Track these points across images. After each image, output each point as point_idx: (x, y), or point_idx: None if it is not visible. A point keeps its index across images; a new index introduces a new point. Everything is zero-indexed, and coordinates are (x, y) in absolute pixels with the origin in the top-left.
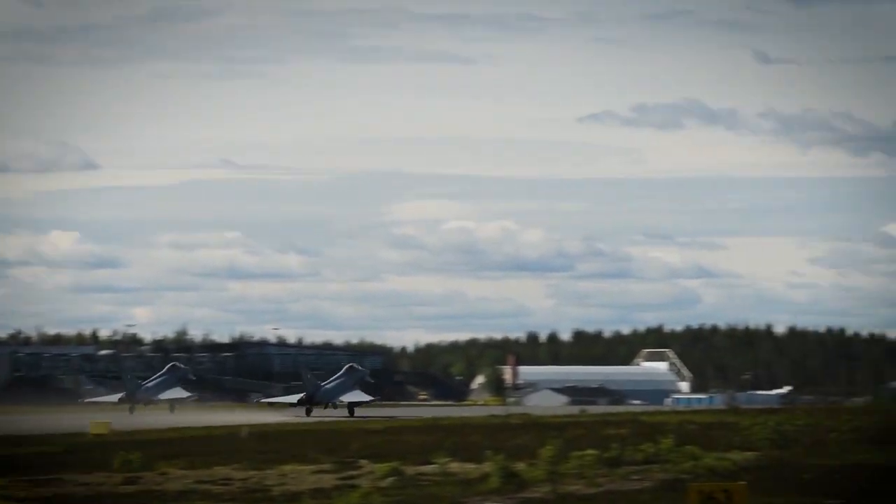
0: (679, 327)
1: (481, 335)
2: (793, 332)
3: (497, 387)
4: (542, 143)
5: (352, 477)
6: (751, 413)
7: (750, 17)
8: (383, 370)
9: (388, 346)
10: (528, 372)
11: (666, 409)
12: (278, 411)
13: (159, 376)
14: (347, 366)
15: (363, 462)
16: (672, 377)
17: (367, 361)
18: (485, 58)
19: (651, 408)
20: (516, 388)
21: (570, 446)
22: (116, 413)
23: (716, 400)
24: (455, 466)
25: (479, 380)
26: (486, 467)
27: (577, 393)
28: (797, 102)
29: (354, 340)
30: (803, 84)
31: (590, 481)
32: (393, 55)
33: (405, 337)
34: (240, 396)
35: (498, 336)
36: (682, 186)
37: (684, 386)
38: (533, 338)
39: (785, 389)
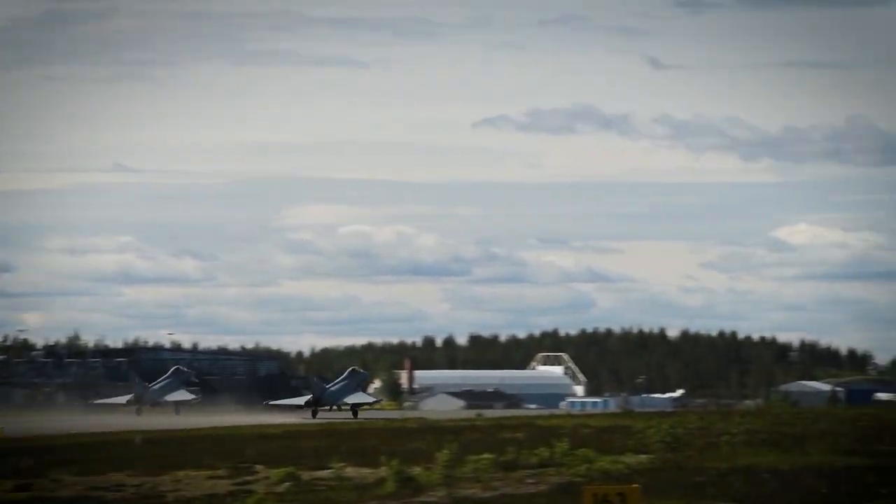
0: (574, 331)
1: (377, 339)
2: (686, 336)
3: (393, 391)
4: (437, 148)
5: (247, 482)
6: (644, 416)
7: (642, 23)
8: (279, 375)
9: (284, 350)
10: (424, 376)
11: (561, 412)
12: (287, 413)
13: (164, 379)
14: (350, 369)
15: (259, 467)
16: (567, 381)
17: (262, 366)
18: (379, 62)
19: (546, 411)
20: (413, 392)
21: (466, 450)
22: (124, 414)
23: (610, 403)
24: (351, 471)
25: (376, 384)
26: (382, 472)
27: (473, 397)
28: (689, 108)
29: (250, 345)
30: (695, 89)
31: (485, 485)
32: (287, 59)
33: (301, 342)
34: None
35: (394, 340)
36: (576, 191)
37: (579, 389)
38: (429, 342)
39: (678, 392)
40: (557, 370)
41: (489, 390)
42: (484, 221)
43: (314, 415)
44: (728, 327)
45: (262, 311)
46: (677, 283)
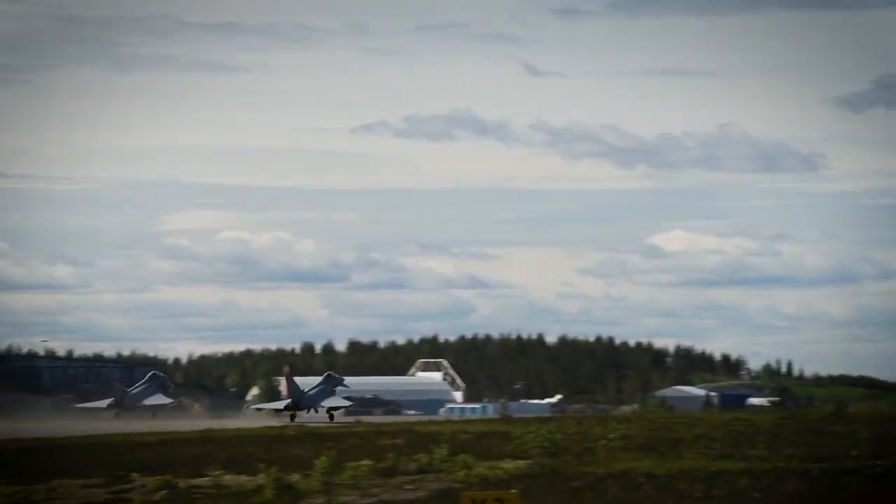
0: (453, 337)
1: (256, 346)
2: (564, 342)
3: (272, 398)
4: (315, 154)
5: (123, 491)
6: (523, 422)
7: (519, 30)
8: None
9: (162, 357)
10: (303, 383)
11: (440, 418)
12: (265, 417)
13: (141, 384)
14: (326, 374)
15: (135, 475)
16: (446, 387)
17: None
18: (257, 67)
19: (426, 417)
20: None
21: (345, 457)
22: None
23: (489, 409)
24: (229, 479)
25: (254, 391)
26: (261, 479)
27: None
28: (566, 115)
29: (127, 352)
30: (571, 96)
31: (364, 491)
32: (165, 64)
33: (178, 348)
34: None
35: (273, 347)
36: (455, 197)
37: (458, 395)
38: (308, 348)
39: (556, 398)
40: (437, 376)
41: (368, 396)
42: (363, 227)
43: (293, 419)
44: (605, 333)
45: (138, 318)
46: (555, 290)
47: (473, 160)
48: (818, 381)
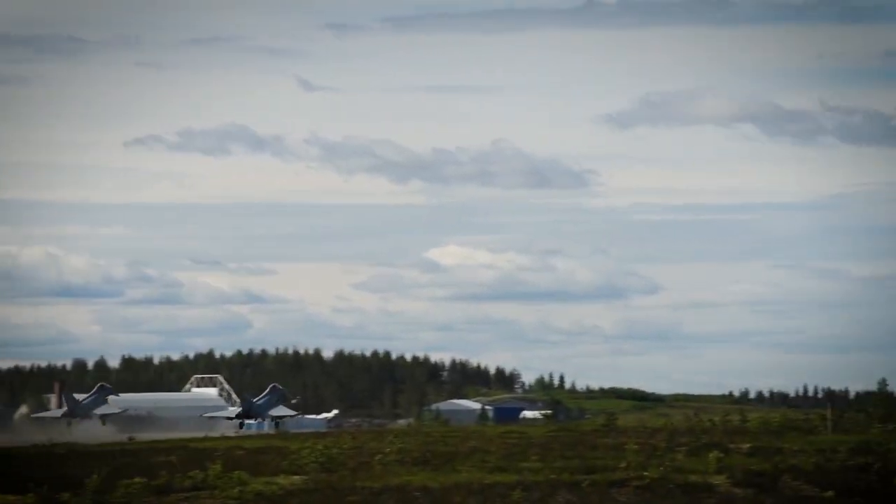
0: (229, 352)
1: (25, 363)
2: (340, 356)
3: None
4: (86, 167)
5: None
6: (299, 437)
7: (293, 45)
8: None
9: None
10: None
11: (215, 434)
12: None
13: (91, 395)
14: (271, 386)
15: None
16: (222, 402)
17: None
18: (27, 79)
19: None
20: (64, 416)
21: (117, 475)
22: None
23: (265, 425)
24: None
25: (23, 409)
26: (29, 499)
27: (125, 420)
28: (340, 129)
29: None
30: (346, 111)
31: None
32: None
33: None
34: None
35: (43, 363)
36: (230, 212)
37: (234, 411)
38: (80, 364)
39: (332, 413)
40: (212, 392)
41: (142, 413)
42: (136, 242)
43: (241, 426)
44: (381, 347)
45: None
46: (331, 304)
47: (249, 174)
48: (589, 393)
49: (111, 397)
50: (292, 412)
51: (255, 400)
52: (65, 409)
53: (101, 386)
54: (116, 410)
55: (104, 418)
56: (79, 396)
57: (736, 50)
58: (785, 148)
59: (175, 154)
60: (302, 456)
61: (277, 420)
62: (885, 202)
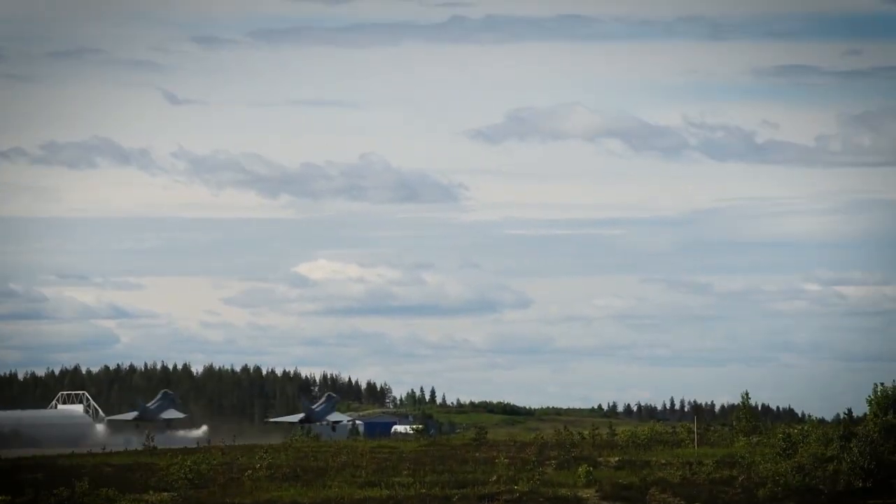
0: (96, 368)
1: None
2: (210, 371)
3: None
4: None
5: None
6: (168, 453)
7: (158, 57)
8: None
9: None
10: None
11: (82, 451)
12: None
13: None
14: (326, 395)
15: None
16: (88, 419)
17: None
18: None
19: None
20: None
21: None
22: None
23: (134, 441)
24: None
25: None
26: None
27: None
28: (208, 143)
29: None
30: (213, 125)
31: None
32: None
33: None
34: None
35: None
36: (96, 226)
37: (101, 427)
38: None
39: (202, 429)
40: (78, 409)
41: (6, 431)
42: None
43: (303, 429)
44: (251, 362)
45: None
46: (200, 319)
47: (115, 188)
48: (460, 407)
49: None
50: (347, 417)
51: (313, 406)
52: None
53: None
54: None
55: None
56: None
57: (602, 66)
58: (651, 163)
59: (39, 167)
60: (171, 472)
61: (334, 424)
62: (750, 217)
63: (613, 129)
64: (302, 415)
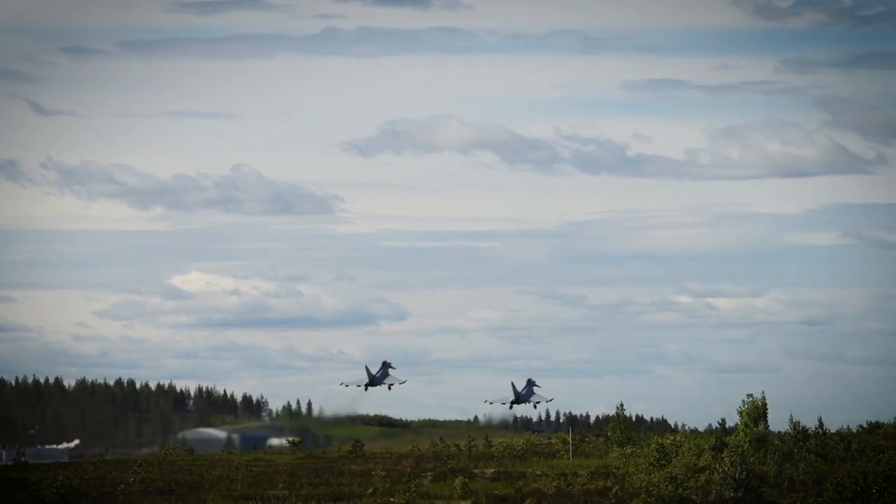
0: None
1: None
2: (82, 385)
3: None
4: None
5: None
6: (39, 468)
7: (26, 68)
8: None
9: None
10: None
11: None
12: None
13: None
14: (383, 361)
15: None
16: None
17: None
18: None
19: None
20: None
21: None
22: None
23: (3, 456)
24: None
25: None
26: None
27: None
28: (78, 154)
29: None
30: (84, 136)
31: None
32: None
33: None
34: None
35: None
36: None
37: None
38: None
39: (74, 443)
40: None
41: None
42: None
43: (367, 389)
44: (125, 375)
45: None
46: (72, 332)
47: None
48: (336, 420)
49: None
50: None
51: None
52: None
53: (385, 362)
54: None
55: None
56: None
57: (475, 78)
58: (524, 176)
59: None
60: (42, 487)
61: (390, 385)
62: (622, 230)
63: (487, 141)
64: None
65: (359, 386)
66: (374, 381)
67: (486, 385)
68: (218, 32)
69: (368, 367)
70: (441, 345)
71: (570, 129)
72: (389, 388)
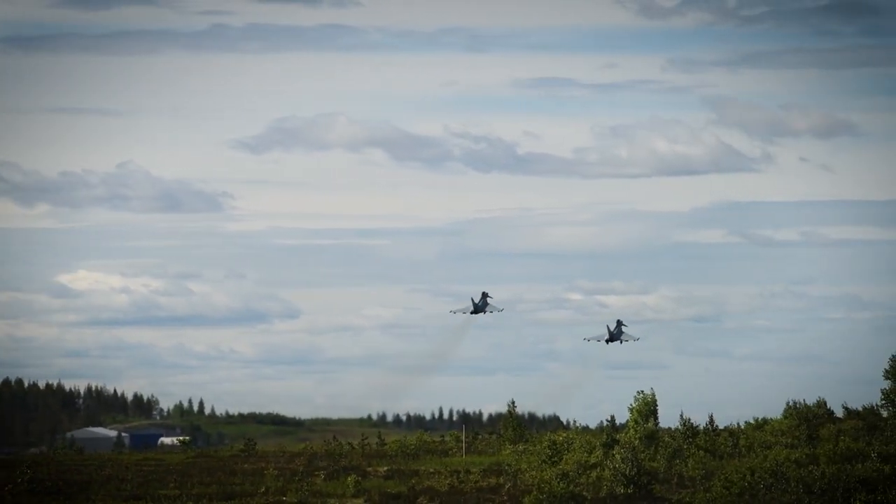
0: None
1: None
2: None
3: None
4: None
5: None
6: None
7: None
8: None
9: None
10: None
11: None
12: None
13: None
14: (482, 292)
15: None
16: None
17: None
18: None
19: None
20: None
21: None
22: None
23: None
24: None
25: None
26: None
27: None
28: None
29: None
30: None
31: None
32: None
33: None
34: None
35: None
36: None
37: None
38: None
39: None
40: None
41: None
42: None
43: (474, 313)
44: (13, 375)
45: None
46: None
47: None
48: (229, 419)
49: None
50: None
51: (478, 302)
52: None
53: (484, 293)
54: None
55: None
56: None
57: (364, 76)
58: (414, 173)
59: None
60: None
61: (492, 311)
62: (513, 228)
63: (376, 139)
64: (472, 308)
65: (464, 313)
66: (477, 308)
67: (377, 383)
68: (104, 28)
69: (473, 298)
70: (333, 343)
71: (460, 127)
72: (488, 311)
